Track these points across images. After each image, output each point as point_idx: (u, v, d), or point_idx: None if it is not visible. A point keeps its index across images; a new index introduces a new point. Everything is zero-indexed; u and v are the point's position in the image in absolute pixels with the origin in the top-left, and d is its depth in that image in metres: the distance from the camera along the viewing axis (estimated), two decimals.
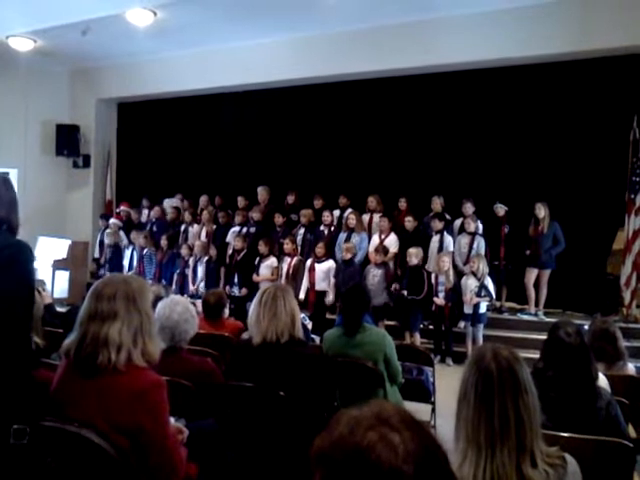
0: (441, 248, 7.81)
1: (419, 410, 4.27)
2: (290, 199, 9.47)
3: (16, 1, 7.97)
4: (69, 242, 10.15)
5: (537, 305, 7.92)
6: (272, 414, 3.01)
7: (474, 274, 7.32)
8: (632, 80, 7.66)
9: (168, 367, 2.70)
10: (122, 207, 11.10)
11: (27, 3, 8.04)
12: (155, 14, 8.43)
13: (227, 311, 5.10)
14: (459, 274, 7.60)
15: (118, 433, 2.10)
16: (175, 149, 11.46)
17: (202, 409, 2.97)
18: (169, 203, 10.74)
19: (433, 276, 7.47)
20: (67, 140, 11.69)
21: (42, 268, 10.06)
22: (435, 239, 7.95)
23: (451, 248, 7.86)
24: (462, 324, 7.61)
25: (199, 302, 5.38)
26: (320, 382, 3.29)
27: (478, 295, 7.24)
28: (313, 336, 5.43)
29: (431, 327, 7.73)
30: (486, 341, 7.06)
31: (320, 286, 7.86)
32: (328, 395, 3.52)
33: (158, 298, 3.42)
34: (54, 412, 2.24)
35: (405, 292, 7.47)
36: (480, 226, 8.00)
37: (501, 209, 8.03)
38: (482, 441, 1.67)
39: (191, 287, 8.83)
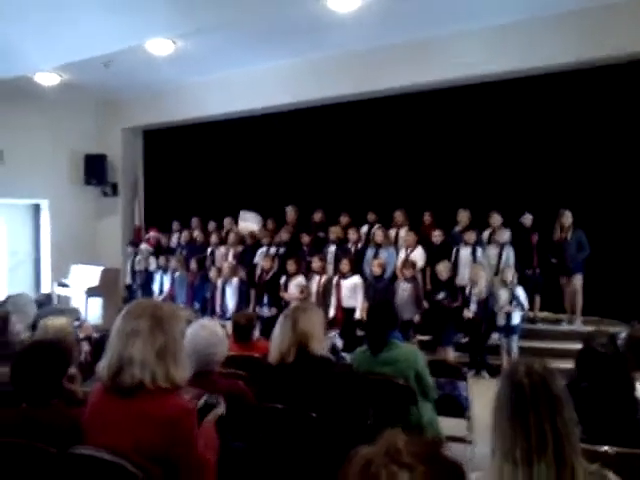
0: (474, 260, 7.74)
1: (454, 426, 4.21)
2: (317, 217, 9.49)
3: (41, 39, 8.19)
4: (101, 269, 10.28)
5: (573, 314, 7.79)
6: (304, 435, 2.99)
7: (505, 285, 7.23)
8: None
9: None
10: (151, 233, 11.23)
11: (51, 41, 8.26)
12: (174, 43, 8.60)
13: (257, 332, 5.10)
14: (489, 285, 7.51)
15: (150, 461, 2.10)
16: (201, 173, 11.59)
17: (233, 432, 2.96)
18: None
19: (467, 288, 7.42)
20: (95, 169, 11.93)
21: (76, 296, 10.25)
22: (467, 251, 7.85)
23: (483, 260, 7.78)
24: (496, 336, 7.51)
25: (229, 324, 5.38)
26: (351, 400, 3.26)
27: (509, 305, 7.15)
28: (344, 354, 5.38)
29: (464, 340, 7.65)
30: (521, 353, 6.96)
31: (347, 303, 7.81)
32: (360, 414, 3.48)
33: (189, 323, 3.44)
34: (88, 439, 2.26)
35: (441, 295, 7.40)
36: (509, 236, 7.92)
37: (527, 219, 8.00)
38: (518, 457, 1.63)
39: (219, 309, 8.84)
